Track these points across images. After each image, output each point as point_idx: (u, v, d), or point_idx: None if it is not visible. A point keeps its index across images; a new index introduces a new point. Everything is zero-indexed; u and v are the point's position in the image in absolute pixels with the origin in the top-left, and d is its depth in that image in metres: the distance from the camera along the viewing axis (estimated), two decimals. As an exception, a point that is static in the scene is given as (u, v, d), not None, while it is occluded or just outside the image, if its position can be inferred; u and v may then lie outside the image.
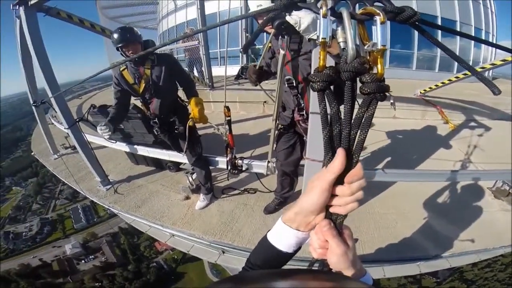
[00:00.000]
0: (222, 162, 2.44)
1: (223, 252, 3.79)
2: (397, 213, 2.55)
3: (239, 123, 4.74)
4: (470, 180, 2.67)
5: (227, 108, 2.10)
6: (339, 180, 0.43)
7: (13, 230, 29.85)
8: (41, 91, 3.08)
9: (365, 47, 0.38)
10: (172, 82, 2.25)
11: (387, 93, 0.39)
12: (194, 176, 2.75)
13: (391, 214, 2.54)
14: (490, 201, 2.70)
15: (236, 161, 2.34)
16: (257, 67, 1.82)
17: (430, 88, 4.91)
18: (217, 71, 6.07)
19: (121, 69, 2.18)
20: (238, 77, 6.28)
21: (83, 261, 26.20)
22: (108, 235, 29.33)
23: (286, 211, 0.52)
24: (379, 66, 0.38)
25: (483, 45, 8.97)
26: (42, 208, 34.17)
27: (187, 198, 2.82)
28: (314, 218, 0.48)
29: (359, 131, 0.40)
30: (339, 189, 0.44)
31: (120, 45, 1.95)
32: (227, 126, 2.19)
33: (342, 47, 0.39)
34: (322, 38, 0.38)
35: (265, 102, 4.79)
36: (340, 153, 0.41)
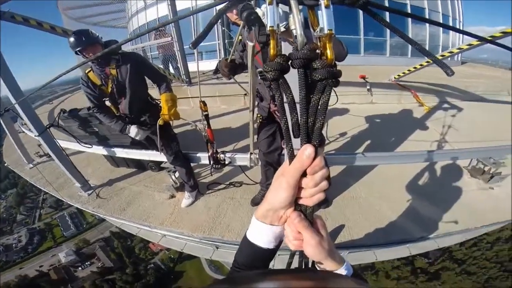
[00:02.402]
0: (204, 157, 2.41)
1: (217, 248, 3.81)
2: (380, 196, 2.61)
3: (220, 117, 4.68)
4: (447, 160, 2.77)
5: (203, 102, 2.06)
6: (303, 172, 0.43)
7: (2, 242, 29.13)
8: (6, 99, 2.89)
9: (314, 33, 0.38)
10: (140, 80, 2.17)
11: (339, 79, 0.38)
12: (177, 174, 2.70)
13: (375, 198, 2.60)
14: (468, 180, 2.80)
15: (218, 156, 2.31)
16: (228, 60, 1.79)
17: (404, 73, 5.06)
18: (195, 66, 5.92)
19: (86, 71, 2.10)
20: (216, 71, 6.15)
21: (80, 268, 26.02)
22: (101, 240, 29.15)
23: (257, 208, 0.52)
24: (328, 51, 0.37)
25: (451, 32, 9.40)
26: (27, 218, 33.35)
27: (172, 196, 2.78)
28: (285, 212, 0.48)
29: (316, 118, 0.39)
30: (303, 181, 0.44)
31: (77, 49, 1.86)
32: (205, 121, 2.15)
33: (294, 34, 0.38)
34: (270, 27, 0.37)
35: (245, 94, 4.70)
36: (308, 149, 0.40)
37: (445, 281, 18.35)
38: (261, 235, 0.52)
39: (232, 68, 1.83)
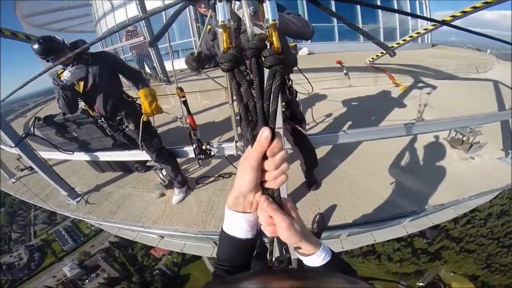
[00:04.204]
0: (190, 151, 2.39)
1: (216, 244, 3.81)
2: (368, 174, 2.66)
3: (203, 112, 4.64)
4: (426, 131, 2.84)
5: (180, 89, 2.04)
6: (264, 155, 0.44)
7: (4, 261, 28.58)
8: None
9: (263, 24, 0.41)
10: (113, 78, 2.13)
11: (287, 65, 0.43)
12: (164, 171, 2.68)
13: (363, 175, 2.65)
14: (449, 151, 2.89)
15: (204, 146, 2.30)
16: (195, 55, 1.77)
17: (377, 55, 5.18)
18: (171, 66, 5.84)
19: (58, 72, 2.03)
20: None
21: (86, 281, 25.80)
22: (101, 251, 28.79)
23: (228, 197, 0.52)
24: (274, 39, 0.40)
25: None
26: (22, 236, 32.71)
27: (162, 195, 2.75)
28: (254, 196, 0.49)
29: (270, 102, 0.42)
30: (265, 164, 0.45)
31: (48, 59, 1.80)
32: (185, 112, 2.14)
33: (248, 24, 0.43)
34: (221, 21, 0.40)
35: (226, 88, 4.63)
36: (266, 132, 0.42)
37: (447, 260, 18.70)
38: (236, 225, 0.53)
39: (200, 61, 1.80)
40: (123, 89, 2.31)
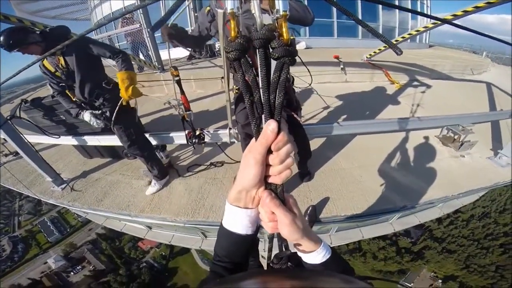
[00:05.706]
0: (179, 137, 2.32)
1: (205, 236, 3.78)
2: (360, 167, 2.68)
3: (197, 101, 4.55)
4: (419, 127, 2.88)
5: (174, 67, 1.99)
6: (269, 149, 0.43)
7: None
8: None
9: (272, 15, 0.40)
10: (91, 63, 2.08)
11: (296, 58, 0.41)
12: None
13: (355, 168, 2.66)
14: (440, 149, 2.94)
15: (197, 132, 2.26)
16: (169, 25, 1.70)
17: (375, 52, 5.20)
18: (166, 54, 5.75)
19: (42, 60, 2.04)
20: (190, 57, 6.15)
21: (72, 273, 25.56)
22: (88, 243, 28.41)
23: (229, 192, 0.50)
24: (284, 30, 0.39)
25: (419, 17, 9.69)
26: (6, 227, 31.92)
27: (151, 182, 2.68)
28: (257, 192, 0.47)
29: (276, 95, 0.41)
30: (270, 158, 0.43)
31: (13, 51, 1.79)
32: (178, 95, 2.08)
33: (257, 15, 0.41)
34: (230, 9, 0.39)
35: (222, 78, 4.58)
36: (272, 124, 0.40)
37: (429, 260, 19.45)
38: (236, 220, 0.51)
39: (174, 35, 1.70)
40: (104, 74, 2.24)
